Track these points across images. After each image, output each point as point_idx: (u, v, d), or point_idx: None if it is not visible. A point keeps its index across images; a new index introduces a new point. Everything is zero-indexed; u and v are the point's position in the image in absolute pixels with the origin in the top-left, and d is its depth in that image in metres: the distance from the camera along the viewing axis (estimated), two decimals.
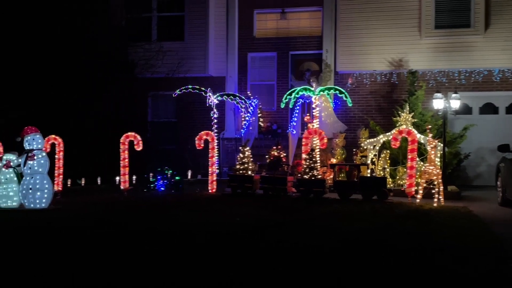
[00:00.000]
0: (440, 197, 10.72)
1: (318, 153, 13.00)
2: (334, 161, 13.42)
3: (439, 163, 11.40)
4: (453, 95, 13.13)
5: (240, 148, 12.43)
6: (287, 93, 13.54)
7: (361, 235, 7.25)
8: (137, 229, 7.64)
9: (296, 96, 13.43)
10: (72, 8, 11.89)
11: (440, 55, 15.60)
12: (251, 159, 12.23)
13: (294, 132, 14.70)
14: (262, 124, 16.90)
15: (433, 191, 10.82)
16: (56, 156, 12.51)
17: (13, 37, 10.88)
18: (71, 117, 14.71)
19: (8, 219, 8.95)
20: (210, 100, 14.91)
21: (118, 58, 15.17)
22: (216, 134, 14.36)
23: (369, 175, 12.19)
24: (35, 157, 9.94)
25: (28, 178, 9.96)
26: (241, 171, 12.05)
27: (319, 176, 11.42)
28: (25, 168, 9.98)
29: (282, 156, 12.20)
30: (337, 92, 13.19)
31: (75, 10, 11.92)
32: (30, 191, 9.88)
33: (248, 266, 5.58)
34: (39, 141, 10.19)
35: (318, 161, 11.98)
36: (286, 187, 11.59)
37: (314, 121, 13.62)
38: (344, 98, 13.11)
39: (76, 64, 12.38)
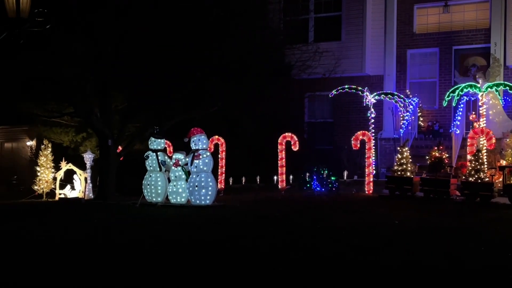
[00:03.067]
0: None
1: (485, 154, 12.15)
2: (504, 163, 12.42)
3: None
4: None
5: (399, 148, 12.11)
6: (450, 90, 12.90)
7: None
8: (293, 224, 7.84)
9: (460, 93, 12.73)
10: (235, 14, 12.62)
11: None
12: (410, 160, 11.88)
13: (458, 131, 13.86)
14: (422, 124, 16.26)
15: None
16: (219, 156, 13.32)
17: (181, 44, 11.89)
18: (233, 119, 15.52)
19: (184, 215, 9.72)
20: (367, 100, 14.70)
21: (276, 61, 15.63)
22: (373, 134, 14.11)
23: None
24: (201, 157, 10.66)
25: (194, 176, 10.72)
26: (399, 172, 11.75)
27: (486, 179, 10.67)
28: (191, 166, 10.76)
29: (444, 157, 11.64)
30: (507, 88, 12.21)
31: (237, 15, 12.64)
32: (196, 188, 10.63)
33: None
34: (204, 141, 10.91)
35: (485, 163, 11.17)
36: (448, 190, 11.06)
37: (481, 119, 12.77)
38: None
39: (240, 69, 13.07)
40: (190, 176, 10.84)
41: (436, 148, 11.80)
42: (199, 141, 10.84)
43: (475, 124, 13.33)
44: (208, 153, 10.88)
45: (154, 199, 11.26)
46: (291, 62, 16.59)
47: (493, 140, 11.34)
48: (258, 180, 14.19)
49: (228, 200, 11.41)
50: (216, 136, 13.37)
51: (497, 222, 8.36)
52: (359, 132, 12.74)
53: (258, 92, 14.19)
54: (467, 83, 12.73)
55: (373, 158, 12.88)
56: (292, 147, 12.81)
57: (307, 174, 13.61)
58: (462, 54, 16.20)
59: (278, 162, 12.96)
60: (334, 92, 14.66)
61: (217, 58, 12.20)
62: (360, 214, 9.29)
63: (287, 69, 16.39)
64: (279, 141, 12.97)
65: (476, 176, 10.67)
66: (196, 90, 12.94)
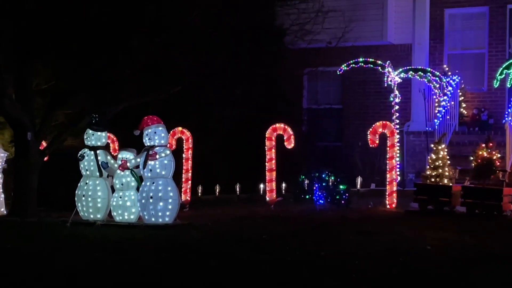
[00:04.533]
0: None
1: None
2: None
3: None
4: None
5: (432, 146, 12.13)
6: (504, 65, 12.93)
7: None
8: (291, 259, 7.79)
9: None
10: None
11: None
12: (448, 162, 11.91)
13: None
14: (465, 112, 16.33)
15: None
16: (184, 156, 13.21)
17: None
18: (204, 105, 15.43)
19: (132, 239, 9.59)
20: (389, 78, 14.67)
21: (264, 23, 15.58)
22: (397, 127, 14.07)
23: None
24: (157, 156, 10.55)
25: (148, 184, 10.60)
26: (433, 179, 11.74)
27: None
28: (145, 170, 10.64)
29: (495, 158, 11.64)
30: None
31: None
32: (151, 200, 10.51)
33: None
34: (162, 135, 10.79)
35: None
36: (501, 203, 11.10)
37: None
38: None
39: (212, 34, 13.01)
40: (143, 183, 10.74)
41: (484, 145, 11.81)
42: (155, 135, 10.72)
43: None
44: (168, 152, 10.78)
45: (92, 216, 11.13)
46: (284, 26, 16.54)
47: None
48: (238, 189, 14.12)
49: (196, 218, 11.33)
50: (180, 128, 13.26)
51: None
52: (378, 124, 12.72)
53: (238, 67, 14.11)
54: None
55: (398, 159, 12.84)
56: (285, 143, 12.74)
57: (306, 182, 13.56)
58: None
59: (266, 164, 12.90)
60: (344, 67, 14.59)
61: (180, 19, 12.13)
62: (378, 236, 9.27)
63: (279, 34, 16.36)
64: (267, 136, 12.89)
65: None
66: (151, 63, 12.83)
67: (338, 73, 14.98)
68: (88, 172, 11.20)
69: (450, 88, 15.14)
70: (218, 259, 7.83)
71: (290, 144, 12.76)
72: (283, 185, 14.00)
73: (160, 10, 12.25)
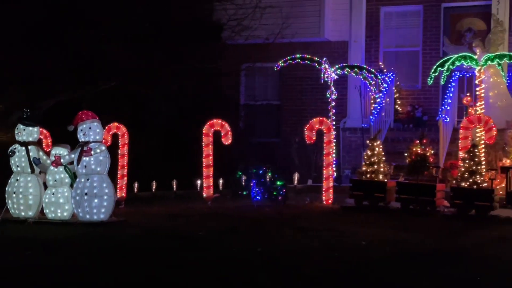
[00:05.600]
0: None
1: (483, 150, 12.48)
2: (507, 162, 12.83)
3: None
4: None
5: (368, 142, 12.26)
6: (438, 63, 13.18)
7: None
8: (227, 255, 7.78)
9: (451, 67, 13.03)
10: None
11: None
12: (383, 158, 12.03)
13: (448, 119, 14.21)
14: (400, 109, 16.57)
15: None
16: (119, 152, 13.05)
17: None
18: (139, 100, 15.29)
19: (65, 237, 9.42)
20: (326, 75, 14.81)
21: (201, 18, 15.53)
22: (334, 123, 14.22)
23: None
24: (92, 152, 10.39)
25: (83, 180, 10.43)
26: (368, 175, 11.88)
27: (484, 184, 10.97)
28: (79, 166, 10.47)
29: (428, 154, 11.87)
30: None
31: None
32: (86, 197, 10.35)
33: None
34: (97, 130, 10.63)
35: (483, 163, 11.48)
36: (434, 198, 11.29)
37: (478, 103, 13.11)
38: None
39: (148, 28, 12.91)
40: (77, 180, 10.57)
41: (418, 142, 11.99)
42: (90, 130, 10.56)
43: (470, 109, 13.69)
44: (103, 147, 10.63)
45: (23, 213, 10.90)
46: (221, 21, 16.50)
47: (494, 132, 11.64)
48: (175, 185, 14.02)
49: (132, 215, 11.20)
50: (115, 124, 13.06)
51: (501, 244, 8.58)
52: (315, 120, 12.80)
53: (174, 61, 14.01)
54: (460, 54, 13.03)
55: (334, 155, 12.96)
56: (222, 139, 12.72)
57: (244, 178, 13.58)
58: (454, 15, 16.61)
59: (203, 160, 12.85)
60: (281, 63, 14.67)
61: (115, 12, 12.01)
62: (314, 232, 9.33)
63: (216, 30, 16.30)
64: (204, 131, 12.84)
65: (471, 180, 10.92)
66: (86, 57, 12.65)
67: (276, 69, 15.05)
68: (19, 169, 10.95)
69: (385, 85, 15.36)
70: (155, 256, 7.78)
71: (227, 140, 12.75)
72: (221, 181, 13.97)
73: (94, 3, 12.09)
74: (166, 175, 14.25)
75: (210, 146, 12.86)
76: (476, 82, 13.20)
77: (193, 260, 7.49)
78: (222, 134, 12.75)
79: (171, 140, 15.31)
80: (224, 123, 12.79)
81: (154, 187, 14.35)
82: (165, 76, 14.59)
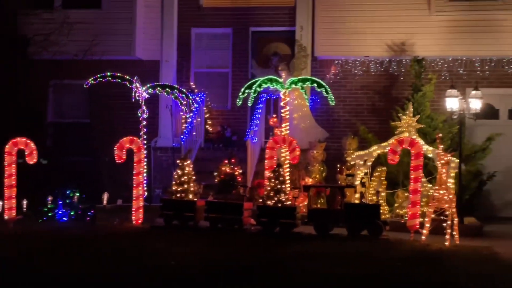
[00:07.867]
0: (454, 233, 10.81)
1: (288, 169, 12.96)
2: (309, 181, 13.42)
3: (452, 186, 11.51)
4: (473, 92, 13.33)
5: (179, 161, 12.32)
6: (246, 85, 13.53)
7: None
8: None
9: (258, 89, 13.43)
10: None
11: (457, 37, 15.83)
12: (194, 178, 12.16)
13: (255, 140, 14.66)
14: (210, 129, 16.82)
15: (445, 224, 10.90)
16: None
17: None
18: None
19: None
20: (137, 94, 14.75)
21: (6, 31, 14.88)
22: (145, 142, 14.16)
23: (357, 201, 12.20)
24: None
25: None
26: (179, 194, 11.95)
27: (288, 202, 11.39)
28: None
29: (237, 173, 12.15)
30: (315, 85, 13.22)
31: None
32: None
33: None
34: None
35: (288, 181, 11.92)
36: (241, 217, 11.54)
37: (283, 125, 13.60)
38: (325, 94, 13.19)
39: None
40: None
41: (227, 161, 12.27)
42: None
43: (276, 130, 14.19)
44: None
45: None
46: (27, 35, 15.91)
47: (297, 152, 12.14)
48: None
49: None
50: None
51: (299, 258, 8.91)
52: (125, 139, 12.67)
53: None
54: (267, 77, 13.46)
55: (145, 174, 12.90)
56: (27, 158, 12.24)
57: (50, 198, 13.12)
58: (262, 39, 17.18)
59: (5, 180, 12.27)
60: (91, 80, 14.45)
61: None
62: (120, 252, 9.18)
63: (21, 44, 15.68)
64: (6, 150, 12.28)
65: (276, 198, 11.30)
66: None
67: (85, 86, 14.73)
68: None
69: (196, 105, 15.53)
70: None
71: (32, 160, 12.31)
72: (25, 202, 13.37)
73: None
74: None
75: (13, 165, 12.31)
76: (282, 104, 13.68)
77: None
78: (26, 153, 12.26)
79: None
80: (29, 141, 12.32)
81: None
82: None
